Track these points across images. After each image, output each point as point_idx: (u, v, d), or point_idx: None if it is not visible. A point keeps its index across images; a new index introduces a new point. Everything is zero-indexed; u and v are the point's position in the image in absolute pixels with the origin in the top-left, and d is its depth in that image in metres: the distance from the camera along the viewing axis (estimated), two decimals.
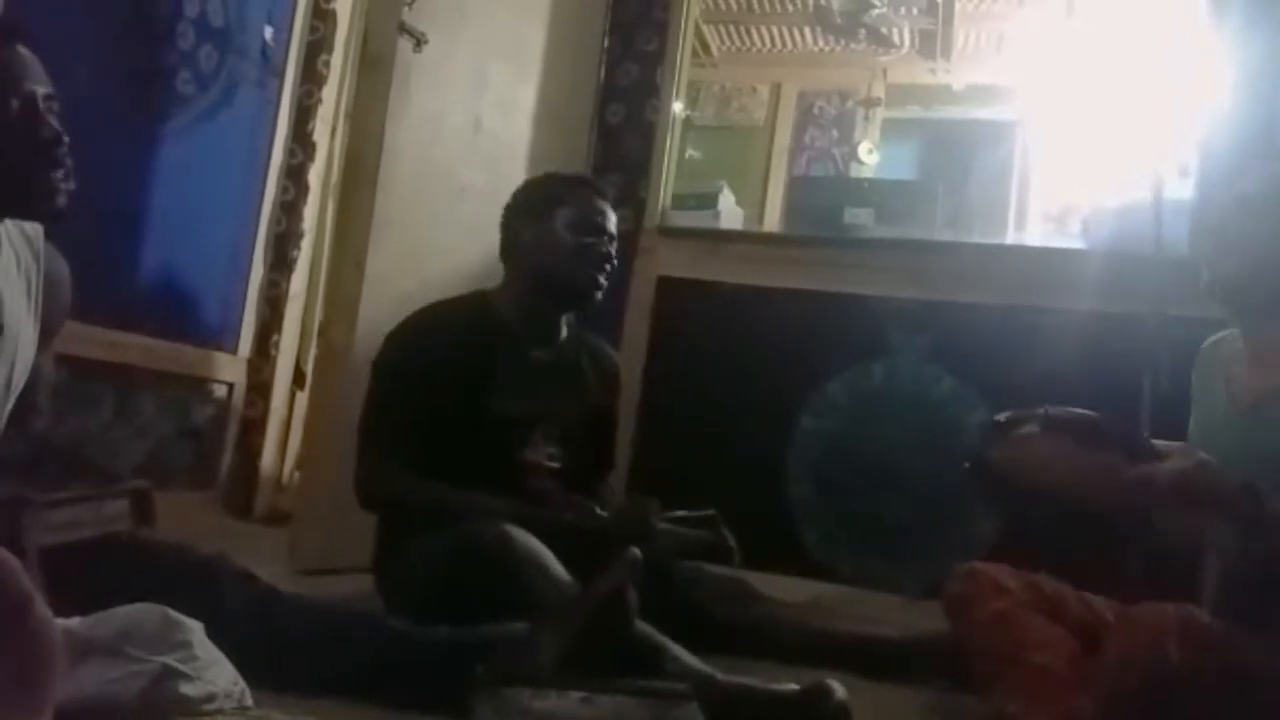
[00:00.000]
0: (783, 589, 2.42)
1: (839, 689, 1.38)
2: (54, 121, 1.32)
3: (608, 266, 2.06)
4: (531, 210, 2.08)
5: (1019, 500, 1.49)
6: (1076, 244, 3.30)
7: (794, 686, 1.41)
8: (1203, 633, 1.28)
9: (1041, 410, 1.50)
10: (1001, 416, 1.54)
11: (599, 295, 2.07)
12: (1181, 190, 2.84)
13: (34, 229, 1.43)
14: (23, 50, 1.33)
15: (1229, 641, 1.30)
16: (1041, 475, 1.48)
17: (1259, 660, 1.30)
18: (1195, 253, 2.70)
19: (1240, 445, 1.46)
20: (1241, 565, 1.46)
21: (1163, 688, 1.25)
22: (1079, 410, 1.49)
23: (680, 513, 1.97)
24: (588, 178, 2.24)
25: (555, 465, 2.04)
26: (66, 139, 1.33)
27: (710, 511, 2.00)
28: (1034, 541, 1.87)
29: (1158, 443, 1.51)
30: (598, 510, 1.91)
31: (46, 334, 1.48)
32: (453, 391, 1.94)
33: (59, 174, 1.33)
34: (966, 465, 1.62)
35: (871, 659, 1.94)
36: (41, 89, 1.33)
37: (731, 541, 1.97)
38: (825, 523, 3.04)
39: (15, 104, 1.30)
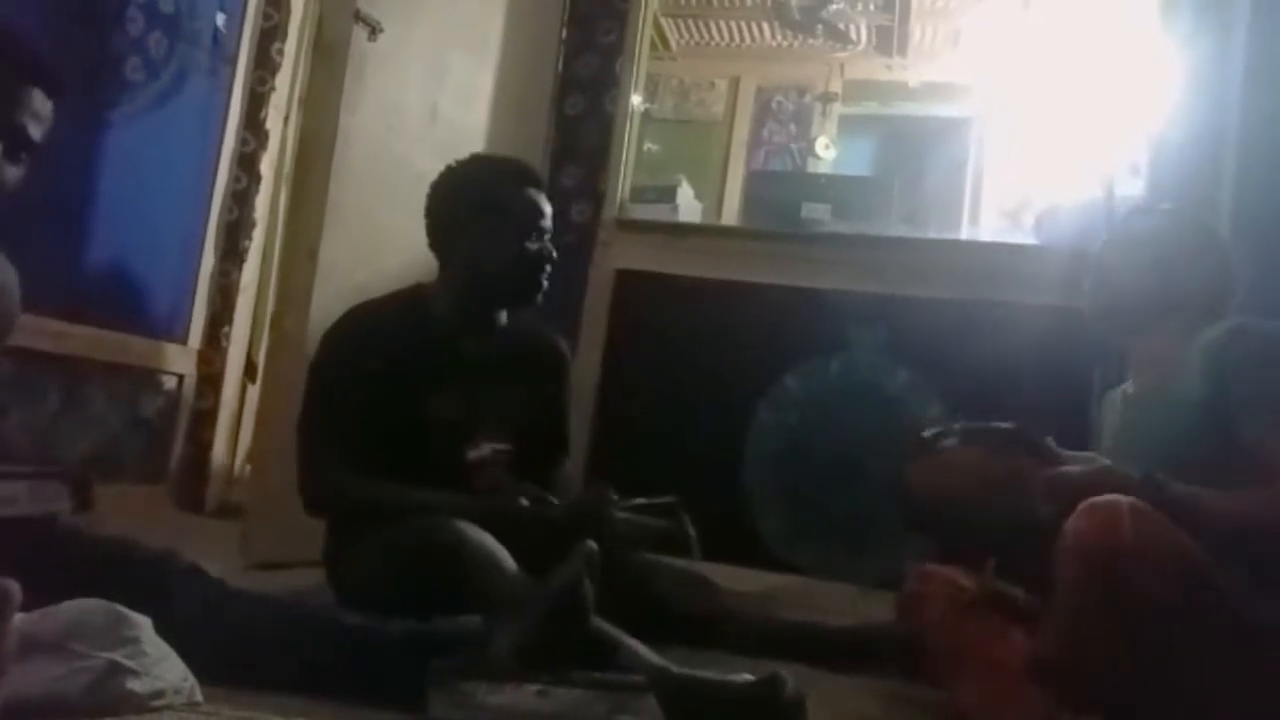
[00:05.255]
0: (739, 580, 2.43)
1: (792, 680, 1.39)
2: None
3: (549, 267, 2.03)
4: (467, 206, 2.01)
5: (937, 517, 1.66)
6: (1030, 240, 3.34)
7: (748, 677, 1.42)
8: (1154, 519, 1.34)
9: (958, 425, 1.70)
10: (927, 432, 1.73)
11: (541, 296, 2.05)
12: (1133, 188, 2.89)
13: None
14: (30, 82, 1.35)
15: (1178, 531, 1.35)
16: (956, 484, 1.64)
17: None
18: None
19: (1126, 433, 1.73)
20: None
21: (1118, 566, 1.30)
22: (994, 423, 1.66)
23: (639, 500, 1.96)
24: (522, 166, 2.14)
25: (504, 457, 2.01)
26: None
27: (669, 499, 1.97)
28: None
29: (1066, 452, 1.65)
30: (553, 500, 1.89)
31: None
32: (390, 391, 1.90)
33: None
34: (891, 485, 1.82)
35: (827, 650, 1.96)
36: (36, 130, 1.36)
37: (690, 529, 1.96)
38: (781, 514, 3.05)
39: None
